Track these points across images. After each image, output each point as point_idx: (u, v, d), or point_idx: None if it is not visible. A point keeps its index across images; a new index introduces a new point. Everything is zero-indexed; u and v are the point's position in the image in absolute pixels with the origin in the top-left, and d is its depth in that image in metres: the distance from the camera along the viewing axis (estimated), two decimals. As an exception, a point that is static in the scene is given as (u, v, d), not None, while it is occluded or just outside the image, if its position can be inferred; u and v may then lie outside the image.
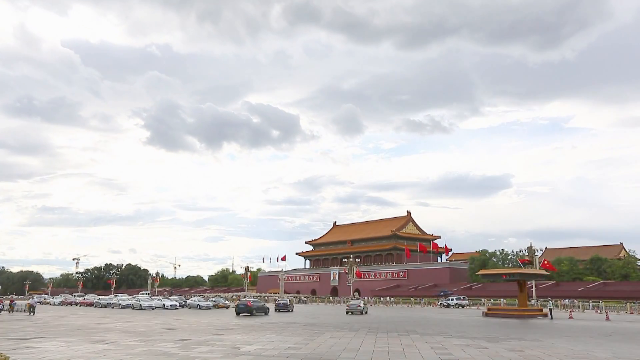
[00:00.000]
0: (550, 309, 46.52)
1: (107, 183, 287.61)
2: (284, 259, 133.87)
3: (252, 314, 45.50)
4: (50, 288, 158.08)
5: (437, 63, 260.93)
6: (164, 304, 61.40)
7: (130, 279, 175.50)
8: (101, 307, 68.92)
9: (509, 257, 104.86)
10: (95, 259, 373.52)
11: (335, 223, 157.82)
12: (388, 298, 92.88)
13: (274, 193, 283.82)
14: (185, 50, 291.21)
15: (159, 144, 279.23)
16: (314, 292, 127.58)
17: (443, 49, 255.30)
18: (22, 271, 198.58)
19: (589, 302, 68.81)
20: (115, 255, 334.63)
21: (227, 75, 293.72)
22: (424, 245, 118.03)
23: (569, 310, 57.73)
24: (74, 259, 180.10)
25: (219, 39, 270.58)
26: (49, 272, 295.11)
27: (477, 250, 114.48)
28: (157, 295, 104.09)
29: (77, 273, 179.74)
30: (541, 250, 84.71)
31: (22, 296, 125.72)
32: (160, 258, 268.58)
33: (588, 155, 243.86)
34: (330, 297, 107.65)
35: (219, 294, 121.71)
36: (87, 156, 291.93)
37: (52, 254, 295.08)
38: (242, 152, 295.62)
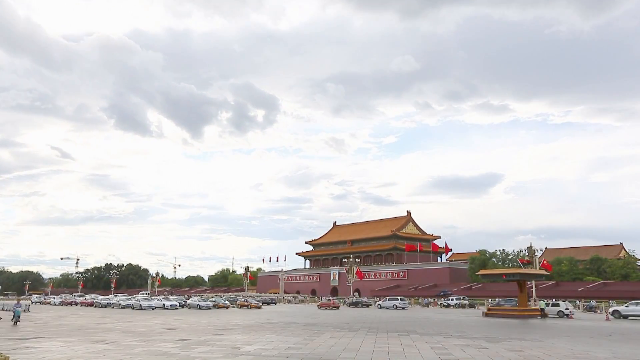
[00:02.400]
0: (542, 309, 46.50)
1: (96, 180, 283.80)
2: (283, 259, 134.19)
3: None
4: (51, 288, 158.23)
5: (448, 39, 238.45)
6: (163, 304, 61.45)
7: (130, 279, 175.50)
8: (101, 307, 68.92)
9: (509, 257, 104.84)
10: (89, 258, 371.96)
11: (335, 223, 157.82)
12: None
13: (269, 192, 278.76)
14: (157, 28, 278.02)
15: (138, 131, 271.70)
16: (314, 292, 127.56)
17: (461, 16, 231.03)
18: (22, 271, 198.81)
19: (590, 301, 68.76)
20: (109, 255, 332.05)
21: (202, 55, 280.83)
22: (424, 245, 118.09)
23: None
24: (62, 258, 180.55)
25: (196, 14, 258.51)
26: (41, 271, 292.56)
27: (477, 250, 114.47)
28: (157, 295, 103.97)
29: (77, 273, 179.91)
30: (541, 250, 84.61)
31: (22, 296, 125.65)
32: (156, 257, 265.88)
33: (592, 153, 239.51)
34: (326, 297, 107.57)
35: (219, 293, 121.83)
36: (68, 150, 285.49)
37: (44, 253, 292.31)
38: (225, 139, 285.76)
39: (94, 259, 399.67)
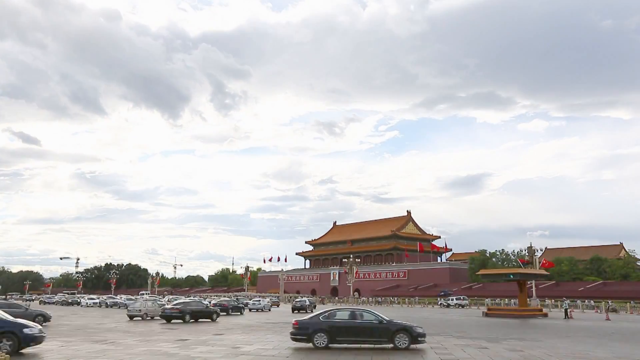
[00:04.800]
0: (566, 310, 46.32)
1: (84, 176, 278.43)
2: (285, 260, 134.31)
3: None
4: (47, 287, 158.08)
5: (459, 16, 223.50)
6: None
7: (130, 278, 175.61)
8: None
9: (509, 257, 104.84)
10: (83, 258, 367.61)
11: (335, 223, 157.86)
12: (391, 298, 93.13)
13: (265, 190, 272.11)
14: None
15: (117, 120, 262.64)
16: (314, 292, 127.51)
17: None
18: (22, 271, 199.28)
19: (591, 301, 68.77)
20: (100, 252, 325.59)
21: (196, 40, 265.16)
22: (424, 245, 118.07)
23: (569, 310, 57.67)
24: (61, 258, 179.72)
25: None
26: (36, 270, 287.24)
27: (478, 250, 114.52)
28: (158, 295, 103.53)
29: (77, 273, 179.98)
30: (541, 250, 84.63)
31: (24, 296, 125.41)
32: (151, 256, 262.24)
33: (601, 150, 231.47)
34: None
35: (218, 293, 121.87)
36: (45, 143, 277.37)
37: (37, 252, 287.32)
38: (207, 124, 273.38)
39: (87, 259, 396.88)
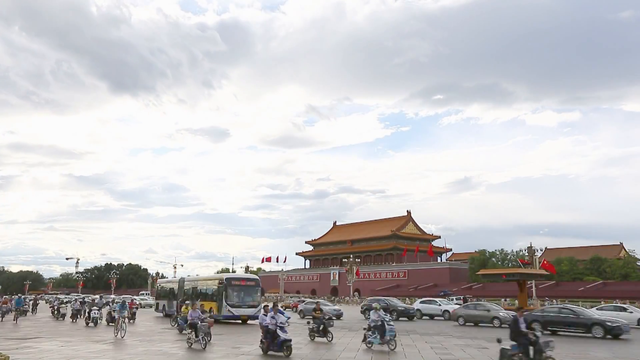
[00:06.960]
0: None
1: (74, 174, 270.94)
2: (284, 260, 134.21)
3: None
4: (49, 288, 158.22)
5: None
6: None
7: (130, 278, 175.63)
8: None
9: (509, 256, 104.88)
10: (76, 257, 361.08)
11: (335, 223, 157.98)
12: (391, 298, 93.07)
13: (263, 189, 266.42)
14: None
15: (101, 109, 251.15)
16: (314, 292, 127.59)
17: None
18: (22, 271, 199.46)
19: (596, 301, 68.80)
20: (91, 252, 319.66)
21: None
22: (424, 246, 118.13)
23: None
24: (67, 259, 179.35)
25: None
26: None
27: (477, 250, 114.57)
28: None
29: (77, 273, 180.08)
30: (541, 250, 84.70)
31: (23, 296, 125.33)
32: (147, 254, 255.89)
33: (611, 147, 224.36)
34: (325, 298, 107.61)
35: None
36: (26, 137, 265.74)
37: (28, 252, 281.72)
38: (193, 108, 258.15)
39: (84, 258, 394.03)
